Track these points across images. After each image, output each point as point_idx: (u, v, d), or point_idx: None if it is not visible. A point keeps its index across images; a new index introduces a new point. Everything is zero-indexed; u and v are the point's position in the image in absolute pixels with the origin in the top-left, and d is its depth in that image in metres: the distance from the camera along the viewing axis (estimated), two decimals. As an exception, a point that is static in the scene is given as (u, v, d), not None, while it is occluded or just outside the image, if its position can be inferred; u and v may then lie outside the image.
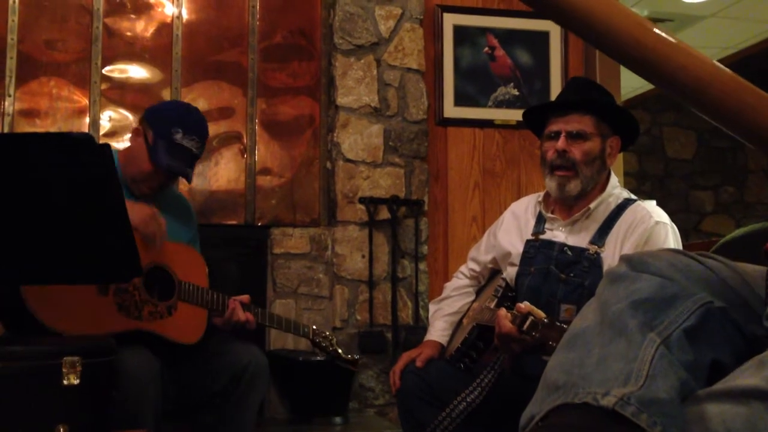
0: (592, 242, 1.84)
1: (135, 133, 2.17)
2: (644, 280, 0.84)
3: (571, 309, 1.78)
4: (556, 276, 1.84)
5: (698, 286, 0.83)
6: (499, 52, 3.42)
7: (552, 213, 1.95)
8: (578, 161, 1.84)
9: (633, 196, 1.93)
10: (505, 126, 3.41)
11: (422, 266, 3.19)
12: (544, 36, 3.48)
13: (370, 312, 3.09)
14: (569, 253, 1.85)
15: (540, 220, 1.97)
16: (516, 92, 3.43)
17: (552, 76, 3.47)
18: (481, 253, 2.14)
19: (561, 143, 1.84)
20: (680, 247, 1.84)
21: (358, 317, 3.09)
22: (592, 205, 1.88)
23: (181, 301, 2.05)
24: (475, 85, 3.39)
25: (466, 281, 2.17)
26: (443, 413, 1.76)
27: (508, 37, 3.43)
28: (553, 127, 1.88)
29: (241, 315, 2.12)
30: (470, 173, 3.38)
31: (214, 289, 2.12)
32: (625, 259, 0.88)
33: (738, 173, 6.47)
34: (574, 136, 1.84)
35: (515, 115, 3.41)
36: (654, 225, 1.79)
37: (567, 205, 1.92)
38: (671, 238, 1.80)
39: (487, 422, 1.79)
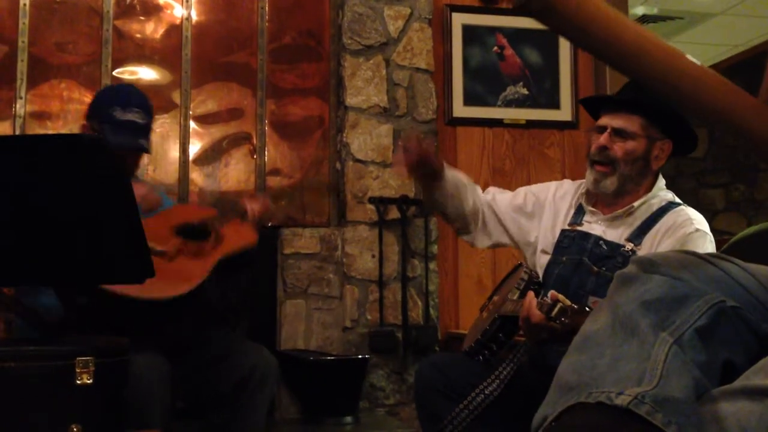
0: (629, 239, 1.82)
1: (83, 129, 2.18)
2: (655, 280, 0.83)
3: (598, 302, 1.74)
4: (588, 268, 1.81)
5: (710, 286, 0.83)
6: (509, 51, 3.41)
7: (593, 206, 1.92)
8: (618, 158, 1.82)
9: (678, 200, 1.90)
10: (514, 125, 3.40)
11: (432, 266, 3.19)
12: (554, 35, 3.47)
13: (380, 312, 3.09)
14: (604, 247, 1.82)
15: (579, 211, 1.94)
16: (525, 91, 3.43)
17: (561, 75, 3.46)
18: (518, 214, 2.04)
19: (604, 139, 1.83)
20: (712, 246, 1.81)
21: (369, 317, 3.10)
22: (636, 204, 1.85)
23: (218, 227, 2.12)
24: (485, 84, 3.38)
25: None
26: (461, 405, 1.76)
27: (517, 37, 3.42)
28: (602, 122, 1.87)
29: (256, 205, 2.20)
30: (480, 173, 3.38)
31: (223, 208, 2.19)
32: (635, 261, 0.88)
33: (749, 171, 6.43)
34: (619, 134, 1.83)
35: (524, 114, 3.41)
36: (694, 232, 1.76)
37: (610, 201, 1.89)
38: (709, 248, 1.76)
39: (504, 416, 1.78)
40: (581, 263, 1.82)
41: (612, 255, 1.81)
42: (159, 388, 1.81)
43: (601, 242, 1.84)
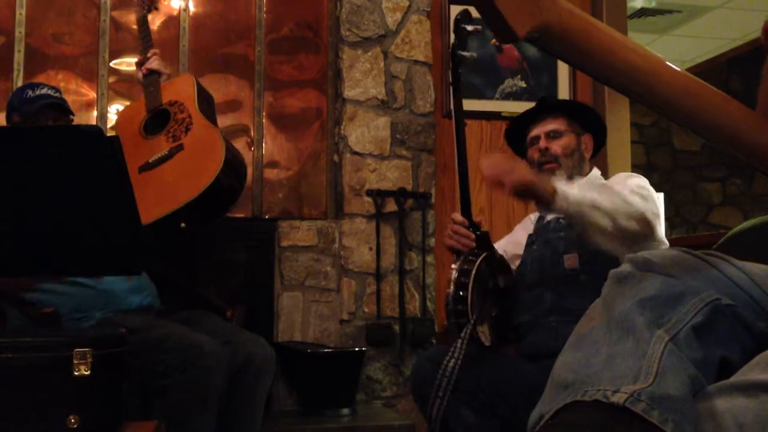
0: None
1: None
2: (650, 278, 0.84)
3: (573, 257, 1.94)
4: (555, 237, 2.01)
5: (705, 284, 0.83)
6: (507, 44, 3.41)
7: None
8: (559, 155, 2.08)
9: None
10: (512, 118, 3.39)
11: (429, 258, 3.20)
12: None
13: (377, 304, 3.10)
14: (563, 221, 2.03)
15: (540, 219, 2.17)
16: (523, 84, 3.43)
17: (559, 68, 3.46)
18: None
19: (542, 143, 2.10)
20: (659, 204, 1.93)
21: (366, 309, 3.10)
22: None
23: (165, 102, 2.24)
24: (483, 77, 3.38)
25: None
26: (438, 373, 1.81)
27: (515, 29, 3.41)
28: (533, 133, 2.14)
29: (152, 62, 2.36)
30: (477, 165, 3.38)
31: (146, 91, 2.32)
32: (629, 259, 0.88)
33: (746, 165, 6.43)
34: (552, 136, 2.10)
35: (522, 107, 3.38)
36: (632, 174, 2.01)
37: None
38: (648, 187, 1.91)
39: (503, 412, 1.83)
40: (549, 239, 2.03)
41: (571, 225, 1.95)
42: (221, 369, 1.85)
43: (560, 219, 2.04)
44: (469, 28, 2.07)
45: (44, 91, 2.29)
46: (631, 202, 1.76)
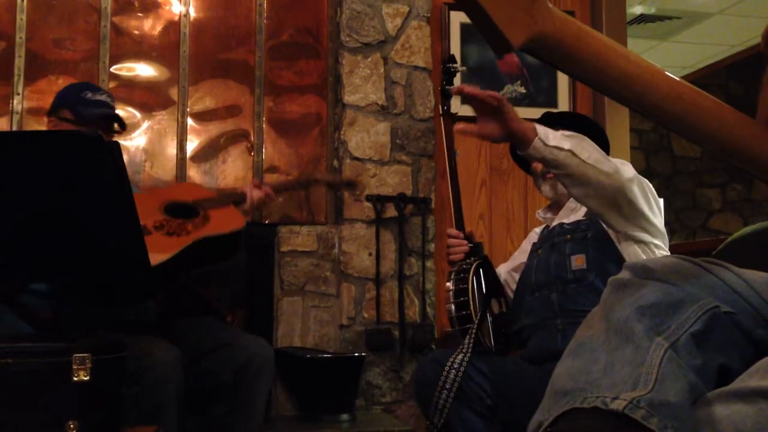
0: (585, 215, 2.02)
1: (52, 126, 2.20)
2: (649, 286, 0.83)
3: (581, 257, 1.92)
4: (561, 240, 2.00)
5: (704, 292, 0.83)
6: (507, 49, 3.42)
7: (552, 214, 2.18)
8: None
9: None
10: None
11: (429, 264, 3.20)
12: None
13: (377, 310, 3.10)
14: (567, 226, 2.03)
15: (544, 228, 2.18)
16: (523, 90, 3.43)
17: (559, 74, 3.47)
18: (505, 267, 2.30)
19: None
20: (657, 198, 1.92)
21: (365, 315, 3.10)
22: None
23: (209, 209, 2.12)
24: (482, 83, 3.38)
25: None
26: (443, 374, 1.82)
27: (515, 35, 3.42)
28: None
29: (258, 193, 2.25)
30: (477, 171, 3.38)
31: (223, 191, 2.19)
32: (628, 267, 0.88)
33: (745, 171, 6.43)
34: None
35: (522, 113, 3.35)
36: None
37: (560, 205, 2.14)
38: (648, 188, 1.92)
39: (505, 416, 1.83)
40: (554, 243, 2.01)
41: (576, 228, 1.99)
42: (174, 376, 1.83)
43: (563, 225, 2.05)
44: (454, 67, 2.28)
45: (103, 97, 2.22)
46: (610, 159, 1.78)
